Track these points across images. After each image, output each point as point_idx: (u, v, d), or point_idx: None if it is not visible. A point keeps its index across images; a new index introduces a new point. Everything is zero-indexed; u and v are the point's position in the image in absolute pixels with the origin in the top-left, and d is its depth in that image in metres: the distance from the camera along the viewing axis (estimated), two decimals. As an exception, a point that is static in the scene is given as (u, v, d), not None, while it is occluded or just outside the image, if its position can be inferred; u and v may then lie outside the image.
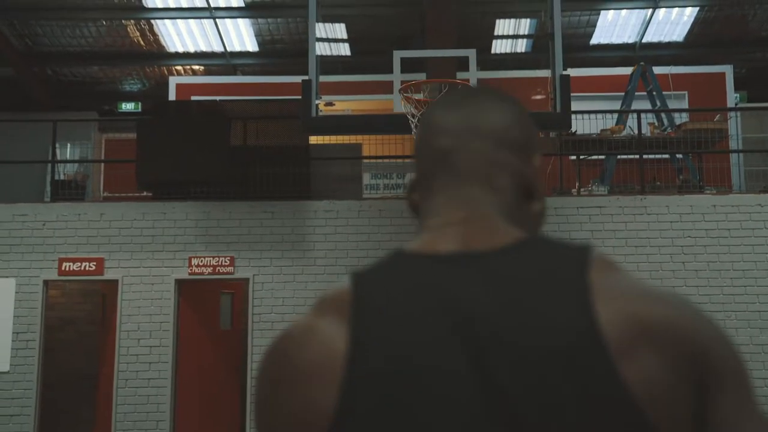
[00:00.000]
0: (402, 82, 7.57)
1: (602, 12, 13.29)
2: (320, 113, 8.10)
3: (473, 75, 8.03)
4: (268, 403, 0.84)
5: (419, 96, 7.82)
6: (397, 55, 7.62)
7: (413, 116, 7.31)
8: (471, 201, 0.88)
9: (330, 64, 13.03)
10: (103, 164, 13.37)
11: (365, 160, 10.73)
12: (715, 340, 0.76)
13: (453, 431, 0.72)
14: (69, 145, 12.69)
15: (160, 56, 14.32)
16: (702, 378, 0.74)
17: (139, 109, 15.33)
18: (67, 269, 9.59)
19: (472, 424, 0.72)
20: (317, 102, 7.69)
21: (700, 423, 0.74)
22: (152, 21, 13.27)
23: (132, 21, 13.34)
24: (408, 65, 8.14)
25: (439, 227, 0.88)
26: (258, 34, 13.61)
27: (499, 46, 13.87)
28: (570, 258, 0.80)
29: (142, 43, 13.98)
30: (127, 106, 15.56)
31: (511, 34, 13.51)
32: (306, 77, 7.75)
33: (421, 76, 8.70)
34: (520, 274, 0.78)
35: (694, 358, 0.74)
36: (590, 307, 0.74)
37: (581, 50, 14.10)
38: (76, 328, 10.99)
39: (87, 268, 9.64)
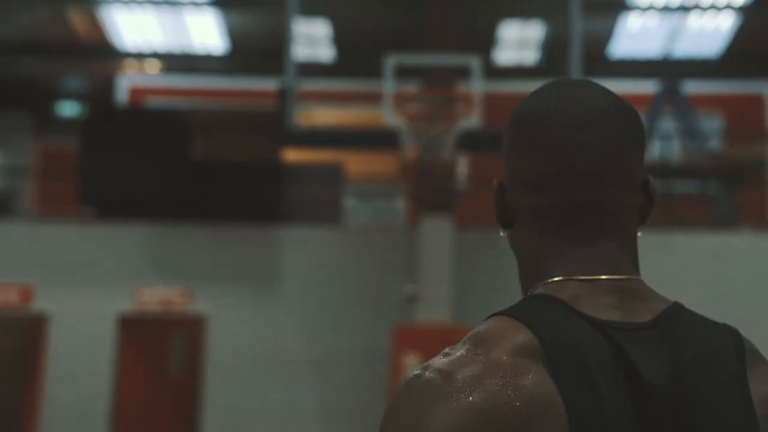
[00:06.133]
0: (395, 92, 7.68)
1: (625, 19, 13.57)
2: (297, 125, 8.19)
3: (476, 85, 8.17)
4: None
5: (414, 108, 7.93)
6: (392, 60, 7.73)
7: (410, 131, 7.41)
8: (614, 257, 1.03)
9: (310, 68, 13.13)
10: (35, 176, 13.30)
11: (348, 181, 10.80)
12: None
13: None
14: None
15: (108, 51, 14.37)
16: None
17: (81, 112, 15.31)
18: (-12, 299, 9.52)
19: None
20: (299, 112, 7.78)
21: None
22: (100, 10, 13.32)
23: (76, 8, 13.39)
24: (397, 73, 8.25)
25: (596, 284, 1.02)
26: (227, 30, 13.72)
27: (505, 54, 14.09)
28: (726, 339, 1.01)
29: (87, 34, 14.01)
30: (66, 110, 15.54)
31: (518, 39, 13.75)
32: (282, 81, 7.84)
33: (412, 86, 8.82)
34: (687, 350, 0.99)
35: None
36: (749, 395, 0.98)
37: (599, 61, 14.37)
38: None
39: (10, 299, 9.56)
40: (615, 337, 0.97)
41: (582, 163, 1.01)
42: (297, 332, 9.46)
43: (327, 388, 9.33)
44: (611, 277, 1.01)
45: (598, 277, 1.01)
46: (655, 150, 11.26)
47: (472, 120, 7.93)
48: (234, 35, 13.87)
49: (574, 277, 1.02)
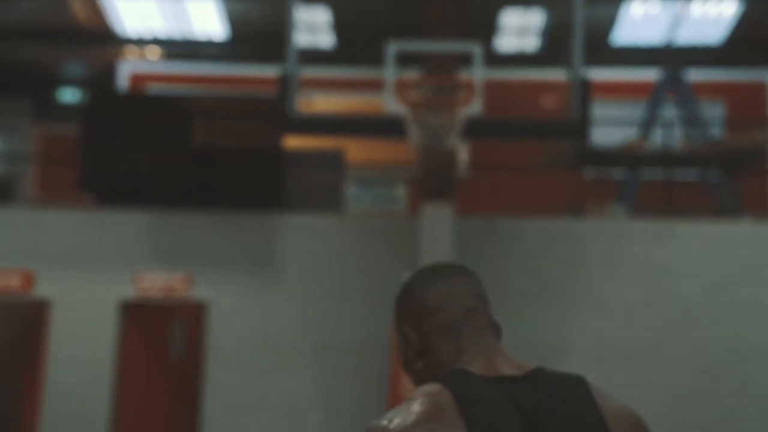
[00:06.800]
0: (396, 79, 7.67)
1: (627, 6, 13.52)
2: (298, 112, 8.18)
3: (478, 73, 8.16)
4: None
5: (415, 95, 7.92)
6: (393, 46, 7.72)
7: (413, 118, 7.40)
8: (491, 342, 1.68)
9: (311, 55, 13.09)
10: (36, 162, 13.31)
11: (349, 168, 10.80)
12: None
13: None
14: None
15: (108, 37, 14.33)
16: None
17: (81, 98, 15.30)
18: (-11, 285, 9.54)
19: None
20: (300, 99, 7.77)
21: None
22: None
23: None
24: (398, 60, 8.24)
25: (485, 358, 1.64)
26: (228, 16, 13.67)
27: (506, 41, 14.05)
28: (577, 383, 1.59)
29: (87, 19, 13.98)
30: (67, 96, 15.52)
31: (520, 26, 13.71)
32: (283, 68, 7.83)
33: (413, 73, 8.81)
34: (554, 393, 1.55)
35: None
36: (605, 422, 1.53)
37: (601, 49, 14.33)
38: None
39: (12, 285, 9.58)
40: (504, 387, 1.53)
41: (459, 286, 1.74)
42: (297, 319, 9.48)
43: (328, 374, 9.36)
44: (494, 350, 1.65)
45: (489, 352, 1.63)
46: (656, 138, 11.25)
47: (474, 107, 7.92)
48: (235, 21, 13.84)
49: (475, 355, 1.63)
